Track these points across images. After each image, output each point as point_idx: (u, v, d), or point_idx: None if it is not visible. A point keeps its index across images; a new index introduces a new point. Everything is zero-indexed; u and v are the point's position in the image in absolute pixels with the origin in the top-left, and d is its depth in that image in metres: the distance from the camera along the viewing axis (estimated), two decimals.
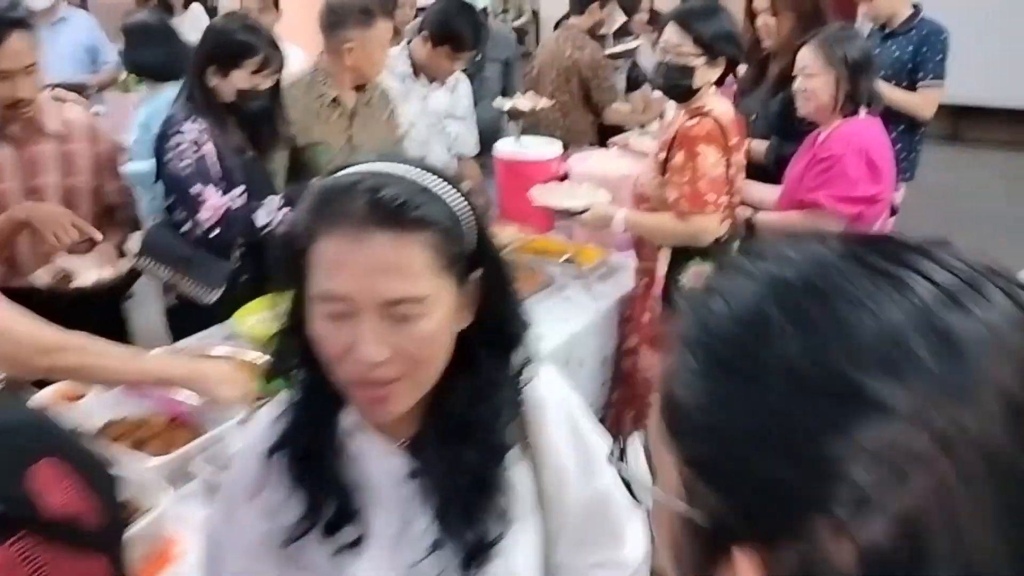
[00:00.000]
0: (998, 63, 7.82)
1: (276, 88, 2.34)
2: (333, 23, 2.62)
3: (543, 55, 4.10)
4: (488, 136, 3.41)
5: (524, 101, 3.23)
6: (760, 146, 2.92)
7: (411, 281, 0.85)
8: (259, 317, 2.16)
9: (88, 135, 2.28)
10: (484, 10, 3.78)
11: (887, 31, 3.65)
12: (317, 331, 0.87)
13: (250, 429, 1.15)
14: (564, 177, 3.02)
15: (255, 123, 2.34)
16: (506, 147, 3.10)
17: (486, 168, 3.35)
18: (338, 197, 0.86)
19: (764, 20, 2.93)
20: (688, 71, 2.22)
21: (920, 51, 3.49)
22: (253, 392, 1.60)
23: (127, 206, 2.42)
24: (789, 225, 2.43)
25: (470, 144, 3.34)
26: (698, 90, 2.25)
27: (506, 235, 2.89)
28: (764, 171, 2.91)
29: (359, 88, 2.73)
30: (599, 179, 2.87)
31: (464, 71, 3.36)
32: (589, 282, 2.63)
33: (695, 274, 2.29)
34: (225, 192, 2.25)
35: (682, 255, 2.33)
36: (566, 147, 3.24)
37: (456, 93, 3.26)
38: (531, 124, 3.75)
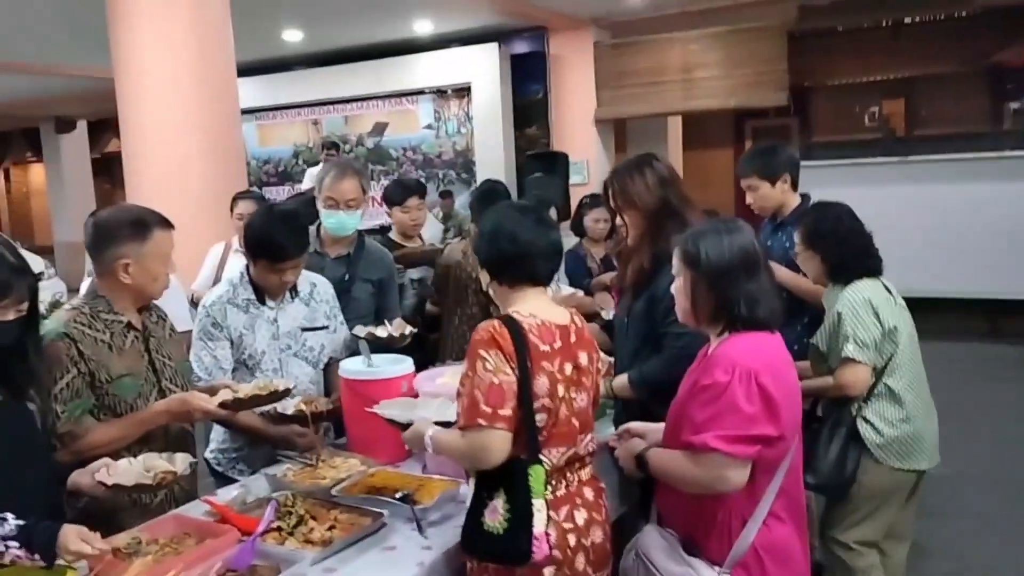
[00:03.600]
0: (941, 255, 7.93)
1: (31, 319, 2.01)
2: (102, 241, 2.34)
3: (444, 266, 3.93)
4: None
5: (382, 329, 2.93)
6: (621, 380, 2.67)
7: None
8: None
9: None
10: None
11: (778, 221, 3.51)
12: None
13: None
14: (415, 397, 2.66)
15: (0, 362, 1.99)
16: (352, 367, 2.75)
17: None
18: None
19: (623, 219, 2.73)
20: None
21: None
22: None
23: None
24: (681, 469, 1.99)
25: (338, 349, 3.01)
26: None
27: (346, 468, 2.50)
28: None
29: (141, 309, 2.43)
30: (448, 397, 2.51)
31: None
32: (423, 524, 2.18)
33: (491, 511, 1.87)
34: None
35: (484, 484, 1.94)
36: None
37: (313, 303, 2.96)
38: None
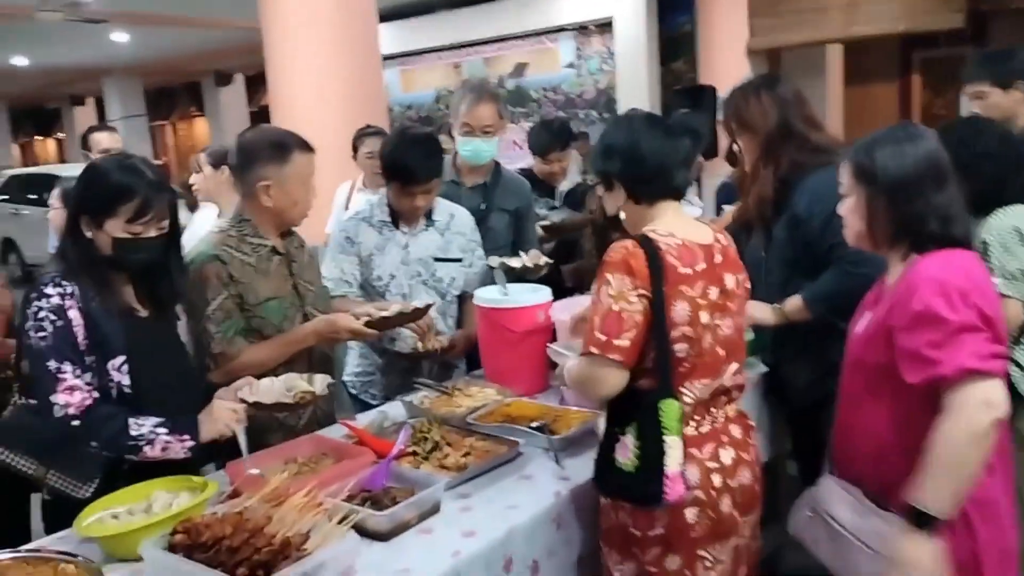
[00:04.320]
0: None
1: (172, 237, 2.03)
2: (245, 162, 2.34)
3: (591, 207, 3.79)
4: None
5: (516, 259, 2.83)
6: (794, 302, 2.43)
7: None
8: (107, 512, 1.76)
9: None
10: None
11: None
12: None
13: None
14: (552, 327, 2.57)
15: (145, 279, 2.02)
16: (488, 295, 2.67)
17: None
18: None
19: (738, 143, 2.54)
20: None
21: None
22: None
23: None
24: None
25: (473, 282, 2.93)
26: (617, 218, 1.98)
27: (482, 397, 2.44)
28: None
29: (283, 234, 2.43)
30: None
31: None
32: (560, 455, 2.08)
33: (622, 447, 1.73)
34: (101, 364, 1.90)
35: (614, 418, 1.79)
36: None
37: (448, 233, 2.89)
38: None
